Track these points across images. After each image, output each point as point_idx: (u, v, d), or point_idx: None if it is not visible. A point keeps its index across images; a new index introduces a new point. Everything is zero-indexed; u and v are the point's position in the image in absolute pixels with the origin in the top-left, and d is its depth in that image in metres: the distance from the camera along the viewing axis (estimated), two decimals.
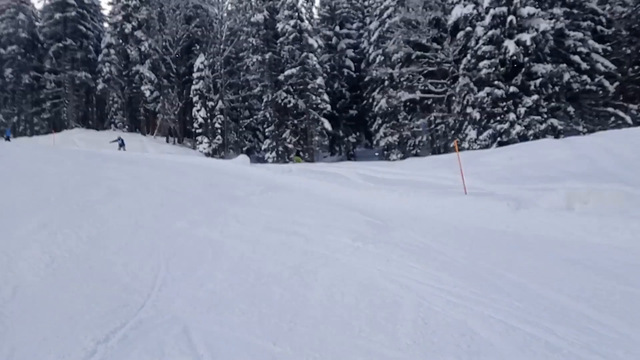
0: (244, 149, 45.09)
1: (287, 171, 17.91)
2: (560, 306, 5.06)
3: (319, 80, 38.53)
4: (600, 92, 28.88)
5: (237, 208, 10.32)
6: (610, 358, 3.89)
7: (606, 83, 28.56)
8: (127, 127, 50.89)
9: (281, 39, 39.21)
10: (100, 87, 51.30)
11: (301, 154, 36.74)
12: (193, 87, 43.39)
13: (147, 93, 47.11)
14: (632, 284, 5.90)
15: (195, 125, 43.67)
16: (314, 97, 38.15)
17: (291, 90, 38.88)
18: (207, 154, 40.79)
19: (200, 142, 42.84)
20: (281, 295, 5.16)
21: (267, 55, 39.98)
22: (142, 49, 47.94)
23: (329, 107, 38.89)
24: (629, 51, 31.01)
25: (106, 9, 68.18)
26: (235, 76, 45.81)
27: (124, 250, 7.23)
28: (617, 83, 29.28)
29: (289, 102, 38.62)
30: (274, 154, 38.72)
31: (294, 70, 38.11)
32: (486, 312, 4.76)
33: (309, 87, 38.23)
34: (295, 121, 39.02)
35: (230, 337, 4.26)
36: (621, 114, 28.50)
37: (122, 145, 33.15)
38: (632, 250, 7.35)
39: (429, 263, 6.48)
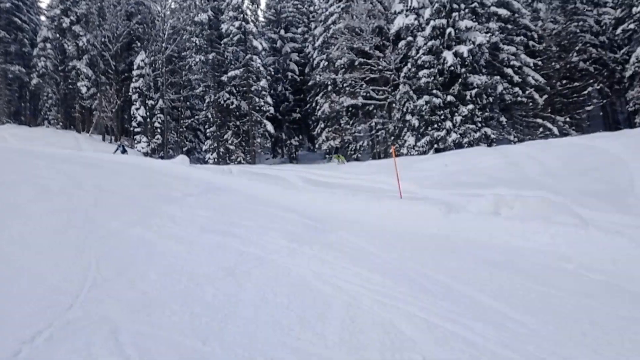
0: (184, 149, 44.33)
1: (228, 172, 17.81)
2: (481, 305, 5.36)
3: (263, 83, 38.48)
4: (531, 103, 30.39)
5: (174, 209, 10.20)
6: (521, 352, 4.18)
7: (536, 95, 30.09)
8: (61, 124, 48.91)
9: (225, 40, 38.90)
10: (34, 82, 49.04)
11: (340, 152, 34.66)
12: (132, 85, 42.28)
13: (84, 89, 45.48)
14: (548, 284, 6.30)
15: (134, 124, 42.55)
16: (257, 99, 38.06)
17: (234, 91, 38.62)
18: (146, 154, 39.82)
19: (139, 142, 41.78)
20: (214, 295, 5.19)
21: (210, 56, 39.54)
22: (80, 44, 46.25)
23: (272, 109, 38.91)
24: (557, 66, 32.82)
25: (44, 1, 65.41)
26: (177, 75, 45.00)
27: (54, 250, 7.02)
28: (546, 96, 30.89)
29: (232, 103, 38.33)
30: (215, 155, 38.30)
31: (237, 72, 37.88)
32: (411, 311, 4.98)
33: (253, 89, 38.11)
34: (238, 122, 38.77)
35: (160, 337, 4.26)
36: (549, 125, 30.10)
37: (123, 152, 31.01)
38: (550, 253, 7.84)
39: (361, 264, 6.66)
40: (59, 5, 48.19)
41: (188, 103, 46.11)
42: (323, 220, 10.25)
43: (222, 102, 38.65)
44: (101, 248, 7.19)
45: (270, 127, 38.38)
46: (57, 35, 48.13)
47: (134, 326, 4.54)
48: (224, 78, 38.60)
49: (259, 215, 10.07)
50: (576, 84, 33.75)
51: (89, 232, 8.02)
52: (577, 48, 34.02)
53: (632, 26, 29.75)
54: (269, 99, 38.78)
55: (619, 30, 31.17)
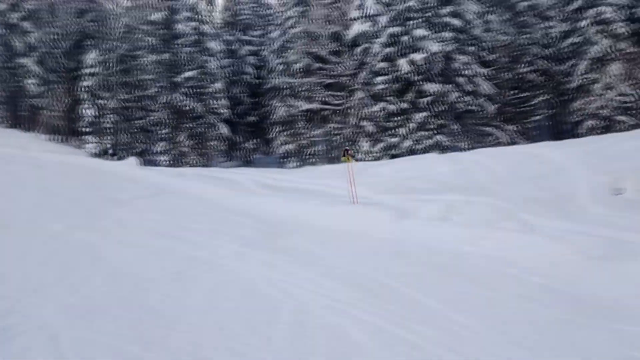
0: (136, 150, 43.24)
1: (180, 175, 17.53)
2: (428, 308, 5.45)
3: (219, 85, 38.01)
4: (482, 112, 31.19)
5: (122, 212, 9.95)
6: (463, 354, 4.27)
7: (487, 104, 30.92)
8: (7, 122, 46.88)
9: (180, 40, 38.25)
10: None
11: (350, 152, 33.30)
12: (83, 84, 40.96)
13: (32, 87, 43.76)
14: (492, 288, 6.48)
15: (84, 123, 41.19)
16: (212, 102, 37.55)
17: (189, 92, 37.99)
18: (95, 155, 38.65)
19: (89, 142, 40.49)
20: (160, 300, 5.09)
21: (165, 56, 38.78)
22: (29, 41, 44.50)
23: (227, 112, 38.47)
24: (508, 76, 33.85)
25: None
26: (129, 75, 43.81)
27: None
28: (496, 105, 31.78)
29: (186, 105, 37.70)
30: (168, 157, 37.56)
31: (192, 73, 37.29)
32: (359, 315, 5.01)
33: (208, 90, 37.60)
34: (192, 124, 38.14)
35: (101, 343, 4.14)
36: (498, 133, 30.98)
37: None
38: (496, 258, 8.05)
39: (312, 269, 6.67)
40: (7, 1, 46.27)
41: (141, 103, 44.98)
42: (276, 224, 10.21)
43: (176, 103, 37.95)
44: (43, 252, 6.93)
45: (225, 129, 37.92)
46: (4, 31, 46.16)
47: (75, 332, 4.40)
48: (179, 79, 37.91)
49: (211, 219, 9.95)
50: (525, 94, 34.85)
51: (31, 235, 7.72)
52: (526, 59, 35.17)
53: (577, 40, 31.01)
54: (224, 101, 38.30)
55: (565, 44, 32.44)
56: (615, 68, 27.46)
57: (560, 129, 38.76)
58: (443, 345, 4.44)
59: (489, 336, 4.76)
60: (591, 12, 29.14)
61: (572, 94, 31.91)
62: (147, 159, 41.53)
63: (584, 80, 29.42)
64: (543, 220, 10.17)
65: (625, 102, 27.64)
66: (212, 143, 38.82)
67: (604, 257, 7.33)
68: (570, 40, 31.92)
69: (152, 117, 42.09)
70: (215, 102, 37.68)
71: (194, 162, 36.86)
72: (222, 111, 37.99)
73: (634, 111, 27.89)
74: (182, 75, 37.47)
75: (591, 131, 27.92)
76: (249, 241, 8.06)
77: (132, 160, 21.36)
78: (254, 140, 46.54)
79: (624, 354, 4.65)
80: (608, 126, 27.72)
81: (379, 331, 4.69)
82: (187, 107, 37.70)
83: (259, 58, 47.07)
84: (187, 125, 37.96)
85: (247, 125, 45.93)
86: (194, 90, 37.98)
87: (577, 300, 6.30)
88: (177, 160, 37.12)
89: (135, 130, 44.40)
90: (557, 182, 12.90)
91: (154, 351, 3.93)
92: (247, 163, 45.12)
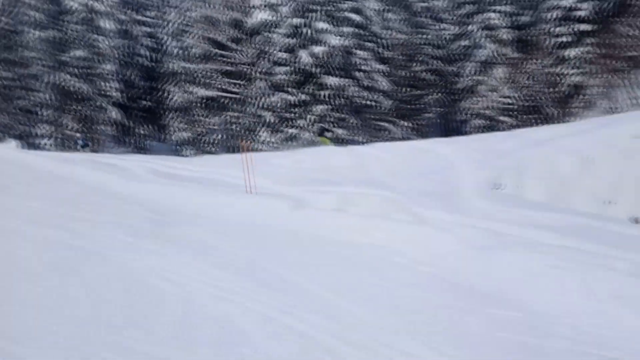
0: (16, 133, 39.84)
1: (65, 160, 16.37)
2: (318, 298, 5.51)
3: (110, 66, 35.99)
4: (378, 107, 32.27)
5: None
6: (349, 342, 4.34)
7: (383, 100, 32.03)
8: None
9: (68, 16, 35.69)
10: None
11: (327, 134, 29.87)
12: None
13: None
14: (383, 277, 6.71)
15: None
16: (102, 83, 35.49)
17: (77, 73, 35.58)
18: None
19: None
20: (34, 293, 4.68)
21: (50, 33, 35.98)
22: None
23: (119, 95, 36.54)
24: (403, 74, 35.27)
25: None
26: (10, 52, 40.17)
27: None
28: (392, 101, 33.03)
29: (74, 85, 35.29)
30: (52, 140, 35.00)
31: (81, 52, 34.97)
32: (249, 305, 4.95)
33: (98, 72, 35.45)
34: (80, 107, 35.80)
35: None
36: (394, 129, 32.24)
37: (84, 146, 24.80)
38: (388, 248, 8.34)
39: (203, 259, 6.50)
40: None
41: (23, 83, 41.44)
42: (167, 213, 9.84)
43: (62, 83, 35.39)
44: None
45: (116, 114, 36.01)
46: None
47: None
48: (66, 58, 35.39)
49: (97, 207, 9.38)
50: (418, 92, 36.58)
51: None
52: (420, 59, 36.88)
53: (466, 42, 33.02)
54: (116, 84, 36.36)
55: (455, 45, 34.43)
56: (499, 71, 29.54)
57: (450, 126, 41.11)
58: (332, 333, 4.49)
59: (376, 323, 4.89)
60: (480, 17, 31.07)
61: (460, 93, 33.94)
62: (29, 142, 38.43)
63: (472, 81, 31.37)
64: (433, 212, 10.68)
65: (508, 104, 29.89)
66: (101, 127, 36.73)
67: (485, 247, 7.86)
68: (460, 43, 33.86)
69: (35, 98, 38.98)
70: (105, 84, 35.63)
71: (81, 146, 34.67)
72: (113, 94, 36.03)
73: (514, 112, 30.23)
74: (70, 54, 35.00)
75: (477, 129, 29.91)
76: (138, 230, 7.69)
77: (11, 143, 19.59)
78: (148, 126, 44.60)
79: (496, 336, 5.00)
80: (492, 125, 29.84)
81: (269, 321, 4.66)
82: (75, 88, 35.31)
83: (154, 40, 45.08)
84: (74, 108, 35.57)
85: (141, 110, 43.91)
86: (83, 71, 35.60)
87: (459, 287, 6.69)
88: (62, 144, 34.70)
89: (16, 111, 40.90)
90: (446, 176, 13.64)
91: (27, 346, 3.60)
92: (140, 150, 43.17)
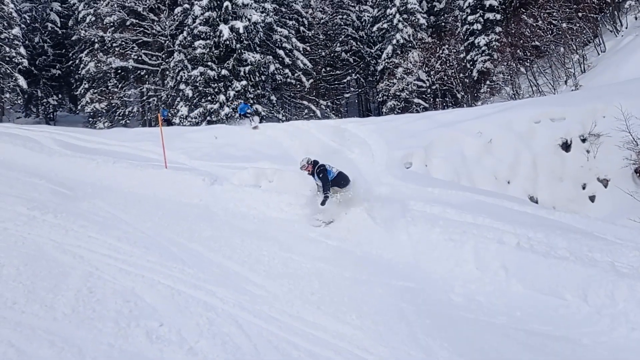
0: None
1: None
2: (227, 271, 5.63)
3: (16, 31, 33.47)
4: (299, 86, 32.38)
5: None
6: (255, 313, 4.54)
7: (304, 79, 32.16)
8: None
9: None
10: None
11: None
12: None
13: None
14: (291, 250, 6.92)
15: None
16: (7, 49, 32.99)
17: None
18: None
19: None
20: None
21: None
22: None
23: (26, 62, 34.14)
24: (323, 54, 35.50)
25: None
26: None
27: None
28: (312, 80, 33.25)
29: None
30: None
31: None
32: (156, 279, 4.99)
33: (2, 36, 32.89)
34: None
35: None
36: (313, 107, 32.52)
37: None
38: (299, 222, 8.59)
39: (111, 233, 6.40)
40: None
41: None
42: (76, 187, 9.48)
43: None
44: None
45: (22, 81, 33.65)
46: None
47: None
48: None
49: None
50: (338, 72, 37.06)
51: None
52: (340, 39, 37.30)
53: (385, 25, 33.67)
54: (22, 50, 33.90)
55: (375, 28, 35.03)
56: (415, 55, 30.45)
57: (367, 107, 42.06)
58: (237, 304, 4.66)
59: (282, 294, 5.11)
60: (398, 1, 31.74)
61: (378, 75, 34.69)
62: None
63: (389, 64, 32.12)
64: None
65: (421, 87, 30.95)
66: (6, 96, 34.30)
67: (390, 221, 8.26)
68: (379, 25, 34.48)
69: None
70: (10, 50, 33.19)
71: None
72: (19, 60, 33.65)
73: (427, 95, 31.38)
74: None
75: (392, 111, 30.77)
76: (42, 204, 7.38)
77: None
78: (58, 96, 42.14)
79: (397, 305, 5.37)
80: (406, 107, 30.82)
81: (176, 294, 4.73)
82: None
83: (65, 6, 42.36)
84: None
85: (50, 79, 41.33)
86: None
87: (364, 260, 7.05)
88: None
89: None
90: (360, 155, 14.04)
91: None
92: (50, 120, 40.77)
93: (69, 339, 3.60)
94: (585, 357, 4.46)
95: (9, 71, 33.35)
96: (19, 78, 33.55)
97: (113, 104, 34.09)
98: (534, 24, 23.53)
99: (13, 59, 33.50)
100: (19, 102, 37.67)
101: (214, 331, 4.06)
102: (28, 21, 40.50)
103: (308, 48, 34.11)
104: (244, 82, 28.29)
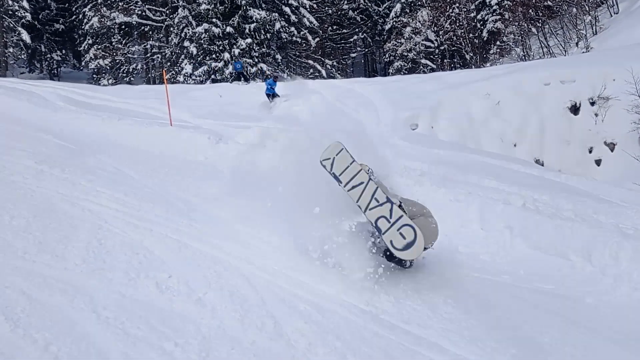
0: None
1: None
2: (233, 227, 5.68)
3: None
4: (304, 44, 31.89)
5: None
6: (261, 266, 4.60)
7: (309, 37, 31.66)
8: None
9: None
10: None
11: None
12: None
13: None
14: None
15: None
16: (10, 2, 32.51)
17: None
18: None
19: None
20: None
21: None
22: None
23: (29, 16, 33.68)
24: (330, 11, 34.82)
25: None
26: None
27: None
28: (318, 39, 32.71)
29: None
30: None
31: None
32: (164, 233, 5.05)
33: None
34: None
35: None
36: (318, 66, 32.12)
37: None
38: None
39: (118, 188, 6.43)
40: None
41: None
42: (82, 143, 9.51)
43: None
44: None
45: (26, 36, 33.30)
46: None
47: None
48: None
49: (3, 134, 8.88)
50: (345, 31, 36.41)
51: None
52: None
53: None
54: (25, 4, 33.40)
55: None
56: (423, 14, 29.84)
57: (374, 67, 41.52)
58: (243, 258, 4.72)
59: (287, 249, 5.15)
60: None
61: (385, 35, 34.09)
62: None
63: (397, 22, 31.53)
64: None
65: (429, 47, 30.45)
66: (9, 50, 33.98)
67: (394, 183, 8.26)
68: None
69: None
70: (13, 3, 32.71)
71: None
72: (22, 14, 33.20)
73: (435, 56, 30.92)
74: None
75: (398, 71, 30.38)
76: (49, 158, 7.41)
77: None
78: (62, 52, 41.73)
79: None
80: (413, 68, 30.41)
81: (184, 247, 4.80)
82: None
83: None
84: None
85: (54, 34, 40.85)
86: None
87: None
88: None
89: None
90: (365, 115, 13.95)
91: None
92: (53, 76, 40.49)
93: (80, 287, 3.67)
94: (588, 314, 4.52)
95: (12, 25, 32.97)
96: (22, 32, 33.18)
97: (117, 61, 33.80)
98: None
99: (16, 13, 33.06)
100: (22, 57, 37.38)
101: (221, 283, 4.13)
102: None
103: (315, 5, 33.44)
104: (249, 40, 27.93)
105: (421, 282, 4.87)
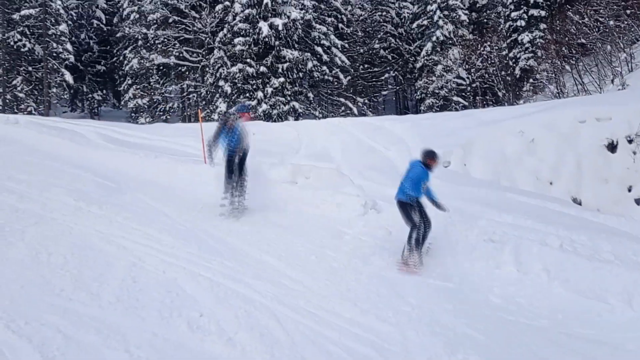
0: None
1: (13, 122, 15.81)
2: (263, 265, 5.70)
3: (63, 27, 34.56)
4: (336, 83, 32.34)
5: None
6: (292, 307, 4.57)
7: (341, 76, 32.10)
8: None
9: None
10: None
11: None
12: None
13: None
14: (327, 247, 6.91)
15: None
16: (55, 45, 34.11)
17: (27, 32, 34.04)
18: None
19: None
20: None
21: None
22: None
23: (72, 58, 35.22)
24: (362, 50, 35.36)
25: None
26: None
27: None
28: (349, 77, 33.15)
29: (24, 45, 33.77)
30: (0, 101, 33.57)
31: (32, 11, 33.42)
32: (196, 271, 5.09)
33: (50, 32, 34.02)
34: (30, 68, 34.37)
35: None
36: (350, 104, 32.43)
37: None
38: (335, 219, 8.58)
39: (153, 226, 6.56)
40: None
41: None
42: (119, 180, 9.75)
43: (11, 43, 33.81)
44: None
45: (69, 77, 34.74)
46: None
47: None
48: (16, 16, 33.74)
49: (45, 171, 9.20)
50: (376, 69, 36.84)
51: None
52: (379, 36, 37.07)
53: (425, 22, 33.32)
54: (69, 46, 34.97)
55: (414, 25, 34.69)
56: (454, 52, 30.00)
57: (405, 104, 41.70)
58: (274, 298, 4.71)
59: (318, 289, 5.13)
60: None
61: (416, 73, 34.32)
62: None
63: (428, 61, 31.75)
64: (379, 186, 10.99)
65: (460, 85, 30.48)
66: (53, 90, 35.47)
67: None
68: (419, 22, 34.13)
69: None
70: (58, 45, 34.31)
71: (31, 109, 33.43)
72: (66, 56, 34.75)
73: (466, 93, 30.90)
74: (20, 13, 33.41)
75: (430, 108, 30.40)
76: (87, 195, 7.63)
77: None
78: (102, 91, 43.35)
79: (427, 303, 5.31)
80: (445, 105, 30.40)
81: (215, 286, 4.82)
82: (25, 49, 33.84)
83: (110, 3, 43.55)
84: (24, 69, 34.14)
85: (95, 75, 42.55)
86: (34, 31, 34.14)
87: (393, 256, 6.97)
88: (10, 106, 33.33)
89: None
90: (396, 152, 13.94)
91: None
92: (94, 115, 41.97)
93: (113, 326, 3.72)
94: None
95: (56, 66, 34.47)
96: (66, 73, 34.64)
97: (154, 100, 34.86)
98: (580, 21, 22.84)
99: (60, 55, 34.60)
100: (65, 96, 38.93)
101: (252, 323, 4.12)
102: (75, 18, 41.72)
103: (346, 45, 34.03)
104: (281, 79, 28.48)
105: (453, 326, 4.75)
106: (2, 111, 31.44)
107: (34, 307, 3.79)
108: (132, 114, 36.44)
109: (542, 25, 27.30)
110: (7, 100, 33.75)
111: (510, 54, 28.79)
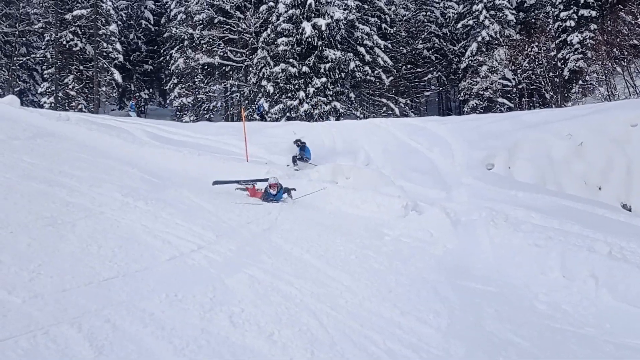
0: (16, 89, 39.60)
1: (64, 119, 16.40)
2: (304, 263, 5.72)
3: (113, 27, 35.65)
4: (378, 83, 32.17)
5: None
6: (332, 305, 4.58)
7: (383, 76, 31.92)
8: None
9: None
10: None
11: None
12: None
13: None
14: (368, 247, 6.91)
15: None
16: (105, 45, 35.21)
17: (79, 32, 35.26)
18: None
19: None
20: (28, 245, 4.86)
21: None
22: None
23: (121, 57, 36.28)
24: (405, 51, 35.04)
25: None
26: (12, 6, 39.68)
27: None
28: (391, 77, 32.90)
29: (76, 45, 35.00)
30: (52, 99, 34.87)
31: (84, 12, 34.60)
32: (238, 267, 5.16)
33: (101, 32, 35.13)
34: (81, 67, 35.58)
35: None
36: (392, 105, 32.20)
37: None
38: (375, 220, 8.57)
39: (196, 222, 6.68)
40: None
41: (24, 39, 41.06)
42: (164, 176, 10.00)
43: (64, 42, 35.09)
44: None
45: (118, 76, 35.81)
46: None
47: None
48: (68, 16, 35.00)
49: (94, 167, 9.50)
50: (419, 69, 36.42)
51: None
52: (422, 36, 36.64)
53: (470, 22, 32.75)
54: (118, 46, 36.05)
55: (459, 25, 34.14)
56: (501, 53, 29.37)
57: (448, 105, 41.10)
58: (314, 296, 4.72)
59: (358, 289, 5.12)
60: None
61: (460, 73, 33.76)
62: (28, 99, 38.29)
63: (472, 61, 31.19)
64: (421, 188, 10.90)
65: (506, 86, 29.82)
66: (102, 89, 36.59)
67: (472, 224, 8.09)
68: (464, 22, 33.58)
69: (36, 55, 38.73)
70: (108, 45, 35.38)
71: (81, 107, 34.61)
72: (115, 56, 35.80)
73: (512, 95, 30.21)
74: (72, 13, 34.61)
75: (474, 110, 29.86)
76: (134, 191, 7.84)
77: (10, 99, 19.46)
78: (149, 90, 44.46)
79: (469, 306, 5.22)
80: (489, 106, 29.80)
81: (257, 282, 4.88)
82: (77, 48, 35.04)
83: (158, 4, 44.60)
84: (76, 68, 35.35)
85: (142, 74, 43.67)
86: (85, 31, 35.31)
87: (441, 260, 6.90)
88: (62, 104, 34.55)
89: (16, 67, 40.58)
90: (439, 154, 13.77)
91: (18, 295, 3.78)
92: (140, 113, 43.11)
93: (158, 317, 3.81)
94: None
95: (105, 65, 35.57)
96: (115, 72, 35.70)
97: (199, 99, 35.52)
98: (633, 22, 22.02)
99: (110, 54, 35.69)
100: (113, 95, 40.13)
101: (292, 320, 4.15)
102: (124, 18, 42.92)
103: (389, 45, 33.81)
104: (323, 79, 28.54)
105: (496, 331, 4.66)
106: (54, 108, 32.63)
107: (83, 296, 3.92)
108: (177, 113, 37.23)
109: (593, 26, 26.42)
110: (59, 98, 35.03)
111: (559, 55, 27.99)
